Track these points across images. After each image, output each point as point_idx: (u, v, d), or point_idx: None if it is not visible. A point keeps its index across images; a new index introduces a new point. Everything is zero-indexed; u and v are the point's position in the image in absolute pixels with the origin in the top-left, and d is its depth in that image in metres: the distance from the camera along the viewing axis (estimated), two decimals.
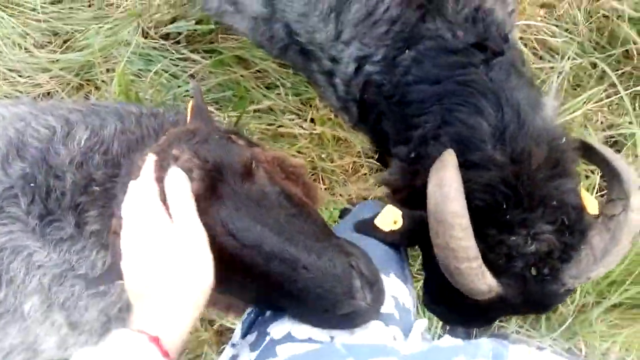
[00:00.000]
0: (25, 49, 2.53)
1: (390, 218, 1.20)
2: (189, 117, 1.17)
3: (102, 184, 1.25)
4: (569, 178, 1.19)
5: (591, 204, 1.22)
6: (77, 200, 1.24)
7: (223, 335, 2.29)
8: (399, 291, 1.16)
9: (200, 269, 0.85)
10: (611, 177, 1.22)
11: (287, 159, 1.22)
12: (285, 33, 1.58)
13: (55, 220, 1.24)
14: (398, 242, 1.27)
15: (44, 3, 2.54)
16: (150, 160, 0.98)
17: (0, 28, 2.49)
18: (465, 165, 1.16)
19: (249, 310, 1.20)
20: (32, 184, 1.24)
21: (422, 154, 1.28)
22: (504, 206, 1.14)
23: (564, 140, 1.21)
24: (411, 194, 1.29)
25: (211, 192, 0.93)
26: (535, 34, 2.44)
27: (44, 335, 1.35)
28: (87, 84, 2.59)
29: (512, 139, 1.16)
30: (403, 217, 1.20)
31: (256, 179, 1.00)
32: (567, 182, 1.18)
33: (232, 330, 2.29)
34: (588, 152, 1.28)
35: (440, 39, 1.28)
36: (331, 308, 0.91)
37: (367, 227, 1.25)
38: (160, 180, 0.94)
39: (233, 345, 1.13)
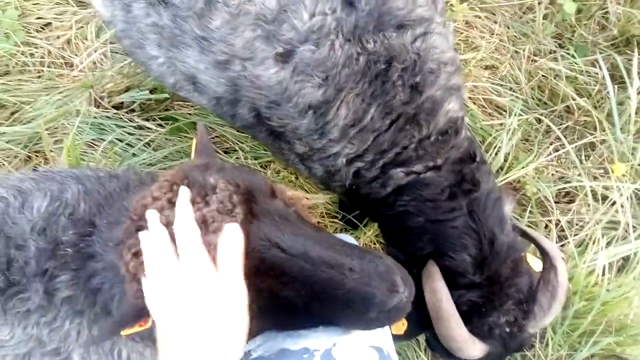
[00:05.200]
0: None
1: (399, 324, 1.54)
2: (193, 154, 1.20)
3: (74, 245, 1.18)
4: (523, 274, 1.61)
5: (535, 264, 1.69)
6: (44, 267, 1.16)
7: None
8: (382, 339, 1.16)
9: (236, 329, 0.85)
10: (542, 251, 1.64)
11: (286, 190, 1.23)
12: (253, 116, 1.56)
13: (20, 292, 1.15)
14: (410, 336, 1.76)
15: None
16: (183, 194, 0.98)
17: None
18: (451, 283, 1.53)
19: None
20: None
21: (412, 257, 1.62)
22: (483, 308, 1.57)
23: (521, 252, 1.63)
24: None
25: (249, 212, 0.97)
26: (482, 94, 2.57)
27: None
28: (36, 156, 2.48)
29: (488, 266, 1.55)
30: (406, 320, 1.52)
31: (280, 200, 1.06)
32: (523, 278, 1.60)
33: None
34: (525, 235, 1.72)
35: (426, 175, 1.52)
36: (379, 306, 0.96)
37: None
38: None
39: None
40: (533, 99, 2.66)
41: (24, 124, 2.45)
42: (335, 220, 2.42)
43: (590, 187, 2.33)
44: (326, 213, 2.43)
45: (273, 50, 1.38)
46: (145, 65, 1.76)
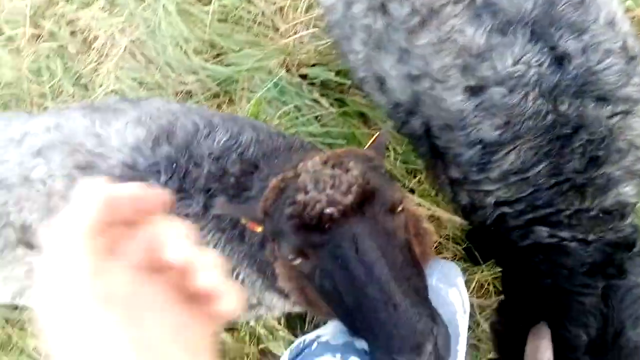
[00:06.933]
0: (185, 51, 2.85)
1: None
2: (369, 143, 1.30)
3: (236, 177, 1.42)
4: None
5: None
6: (209, 186, 1.41)
7: (265, 356, 2.36)
8: None
9: None
10: None
11: (422, 220, 1.31)
12: (422, 130, 1.65)
13: (186, 198, 1.41)
14: None
15: (214, 19, 2.85)
16: None
17: (172, 31, 2.83)
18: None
19: (298, 341, 1.31)
20: (174, 165, 1.43)
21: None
22: None
23: None
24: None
25: (358, 206, 1.03)
26: None
27: None
28: (224, 95, 2.85)
29: (603, 355, 1.43)
30: None
31: (395, 219, 1.09)
32: None
33: (274, 355, 2.35)
34: None
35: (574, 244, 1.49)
36: (394, 350, 0.95)
37: None
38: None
39: None
40: None
41: (226, 65, 2.83)
42: (458, 247, 2.45)
43: None
44: (452, 236, 2.47)
45: (466, 81, 1.46)
46: (344, 54, 1.95)
